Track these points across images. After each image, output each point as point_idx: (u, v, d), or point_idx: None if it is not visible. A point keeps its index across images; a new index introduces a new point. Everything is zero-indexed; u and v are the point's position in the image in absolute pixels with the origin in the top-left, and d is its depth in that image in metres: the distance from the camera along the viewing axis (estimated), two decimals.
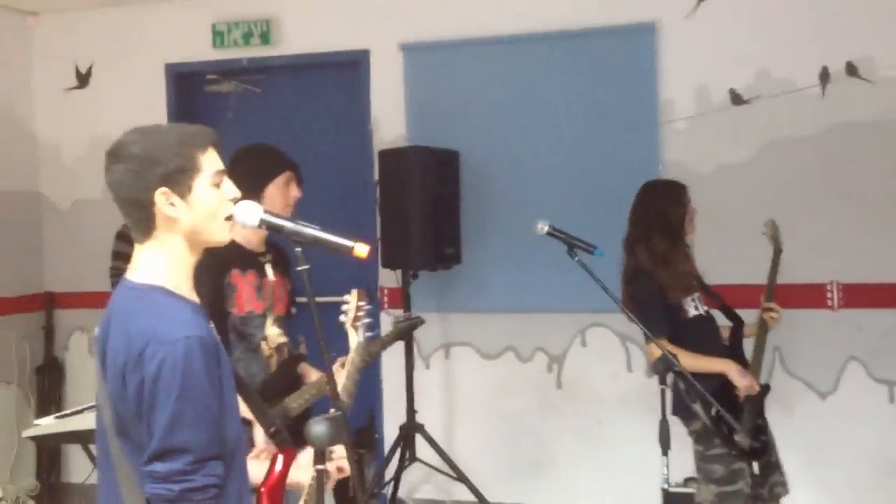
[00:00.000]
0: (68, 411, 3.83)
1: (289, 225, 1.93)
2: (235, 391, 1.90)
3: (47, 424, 3.77)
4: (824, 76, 4.27)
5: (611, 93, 4.52)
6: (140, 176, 1.79)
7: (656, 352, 3.15)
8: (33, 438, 4.71)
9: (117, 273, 4.58)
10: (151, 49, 5.13)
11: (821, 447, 4.28)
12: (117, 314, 1.79)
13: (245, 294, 2.88)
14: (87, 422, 3.64)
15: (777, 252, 3.64)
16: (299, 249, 1.94)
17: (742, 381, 3.36)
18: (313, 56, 4.93)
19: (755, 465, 3.33)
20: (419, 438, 4.61)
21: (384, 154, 4.51)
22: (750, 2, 4.39)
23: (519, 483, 4.72)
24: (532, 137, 4.64)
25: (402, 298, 4.59)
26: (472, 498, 4.45)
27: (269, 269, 2.99)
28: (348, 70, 4.94)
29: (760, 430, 3.41)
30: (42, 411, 5.03)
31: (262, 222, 1.92)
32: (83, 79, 5.26)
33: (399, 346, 4.68)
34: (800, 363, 4.33)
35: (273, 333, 2.96)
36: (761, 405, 3.45)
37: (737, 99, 4.39)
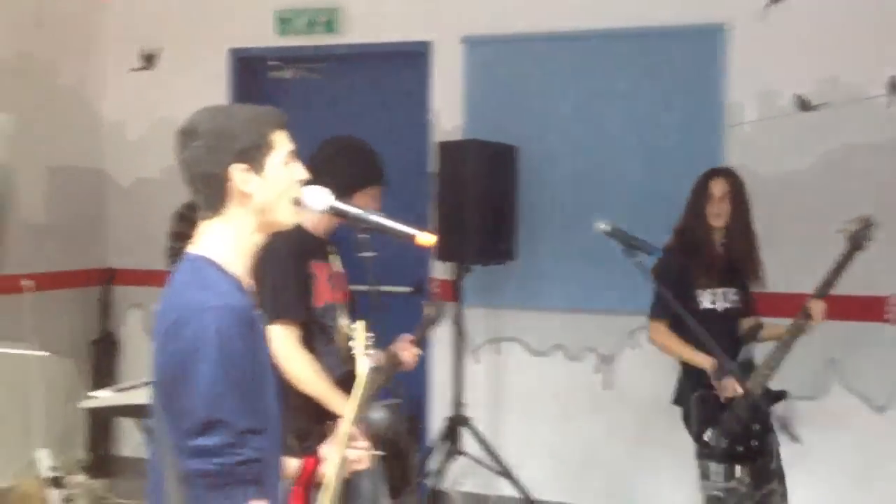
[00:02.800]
0: (125, 385, 3.92)
1: (355, 211, 1.95)
2: (270, 371, 1.88)
3: (104, 397, 3.86)
4: (892, 85, 4.18)
5: (675, 93, 4.48)
6: (215, 151, 1.78)
7: (652, 333, 3.39)
8: (89, 410, 4.87)
9: (175, 253, 4.65)
10: (216, 34, 5.20)
11: (876, 462, 4.20)
12: (170, 287, 1.80)
13: (322, 285, 2.83)
14: (142, 396, 3.73)
15: (852, 250, 3.44)
16: (364, 236, 1.96)
17: (722, 388, 3.32)
18: (375, 46, 4.96)
19: (736, 469, 3.31)
20: (465, 431, 4.63)
21: (442, 146, 4.52)
22: (820, 7, 4.30)
23: (564, 482, 4.71)
24: (592, 135, 4.61)
25: (454, 291, 4.60)
26: (515, 494, 4.46)
27: (335, 260, 2.98)
28: (409, 61, 4.95)
29: (749, 435, 3.35)
30: (96, 385, 5.12)
31: (330, 208, 1.93)
32: (149, 61, 5.35)
33: (447, 340, 4.71)
34: (856, 377, 4.25)
35: (344, 324, 2.92)
36: (756, 410, 3.35)
37: (803, 105, 4.32)
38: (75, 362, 5.30)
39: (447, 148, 4.49)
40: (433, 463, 4.61)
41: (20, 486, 4.81)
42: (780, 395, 3.46)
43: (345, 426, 2.00)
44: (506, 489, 4.60)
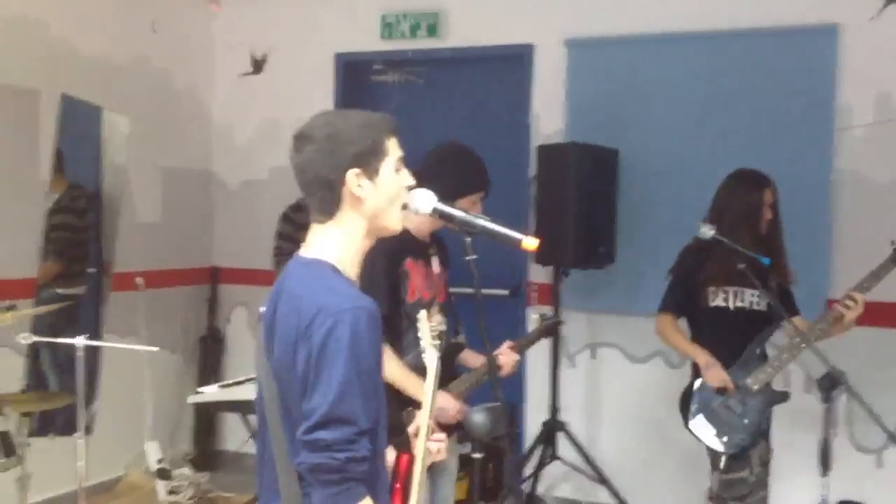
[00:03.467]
0: (230, 381, 4.03)
1: (460, 215, 1.97)
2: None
3: (210, 392, 3.98)
4: None
5: (785, 95, 4.35)
6: (332, 155, 1.82)
7: (657, 324, 3.51)
8: (196, 405, 5.03)
9: (280, 253, 4.77)
10: (323, 39, 5.30)
11: None
12: (288, 289, 1.83)
13: (417, 282, 2.92)
14: (247, 392, 3.82)
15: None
16: (468, 239, 1.97)
17: (705, 373, 3.33)
18: (477, 49, 4.98)
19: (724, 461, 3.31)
20: (561, 437, 4.60)
21: (543, 149, 4.51)
22: None
23: (660, 490, 4.62)
24: (695, 138, 4.52)
25: (552, 295, 4.58)
26: (612, 501, 4.40)
27: (434, 261, 3.04)
28: (511, 64, 4.95)
29: (739, 428, 3.32)
30: (203, 380, 5.29)
31: (436, 211, 1.95)
32: (258, 65, 5.50)
33: (544, 344, 4.68)
34: None
35: (436, 321, 2.99)
36: (754, 406, 3.33)
37: None
38: (183, 358, 5.48)
39: (547, 151, 4.48)
40: (529, 467, 4.60)
41: (129, 476, 5.01)
42: (782, 397, 3.45)
43: (423, 418, 2.00)
44: (601, 496, 4.55)
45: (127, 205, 5.11)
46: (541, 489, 4.70)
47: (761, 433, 3.39)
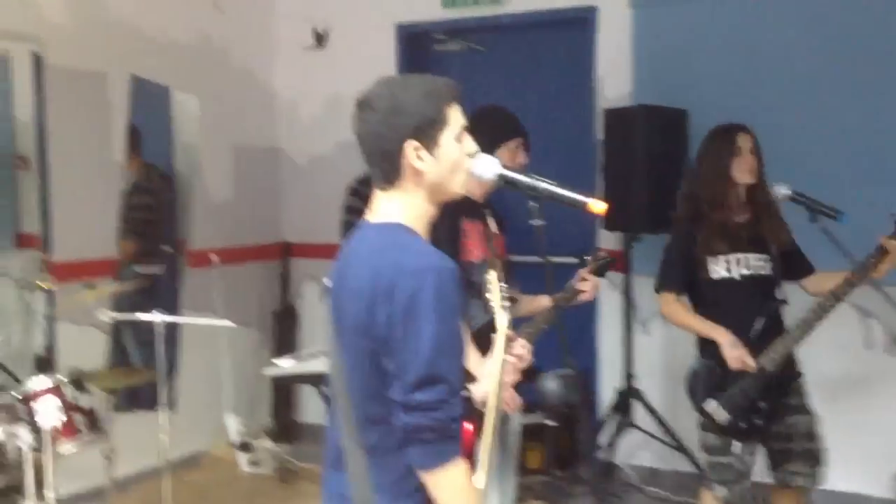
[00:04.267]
0: (305, 353, 4.09)
1: (525, 179, 1.94)
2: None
3: (285, 365, 4.06)
4: None
5: (865, 52, 4.17)
6: (391, 127, 1.81)
7: (662, 305, 3.26)
8: (272, 378, 5.12)
9: (348, 226, 4.79)
10: (384, 9, 5.29)
11: None
12: (358, 253, 1.83)
13: (472, 242, 2.93)
14: (321, 365, 3.88)
15: None
16: (534, 204, 1.95)
17: (729, 353, 3.08)
18: (540, 14, 4.90)
19: (736, 444, 3.12)
20: (636, 404, 4.56)
21: (609, 113, 4.43)
22: None
23: None
24: (769, 97, 4.38)
25: (623, 261, 4.52)
26: (692, 469, 4.35)
27: (490, 221, 3.04)
28: (574, 28, 4.87)
29: (754, 412, 3.11)
30: (278, 354, 5.37)
31: (500, 177, 1.93)
32: (320, 39, 5.51)
33: (616, 311, 4.64)
34: None
35: (492, 279, 2.98)
36: (769, 386, 3.11)
37: None
38: (259, 332, 5.58)
39: (614, 115, 4.40)
40: (604, 436, 4.57)
41: (212, 449, 5.14)
42: (791, 375, 3.21)
43: (492, 379, 1.97)
44: (680, 464, 4.49)
45: (199, 183, 5.21)
46: (617, 458, 4.66)
47: (792, 415, 3.20)
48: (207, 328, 4.67)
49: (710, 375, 3.16)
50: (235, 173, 5.43)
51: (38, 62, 4.39)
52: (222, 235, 5.30)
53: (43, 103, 4.40)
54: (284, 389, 5.54)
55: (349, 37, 5.43)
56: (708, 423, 3.18)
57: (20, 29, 4.24)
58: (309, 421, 5.56)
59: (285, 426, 5.54)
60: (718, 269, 3.19)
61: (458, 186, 1.88)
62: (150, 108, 4.95)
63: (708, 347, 3.18)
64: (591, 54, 4.78)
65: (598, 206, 1.89)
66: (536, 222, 1.93)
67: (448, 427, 1.69)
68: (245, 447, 5.03)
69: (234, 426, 5.13)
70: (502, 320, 1.98)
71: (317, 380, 4.13)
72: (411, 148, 1.80)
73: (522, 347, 2.03)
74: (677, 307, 3.25)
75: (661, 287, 3.30)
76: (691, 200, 3.26)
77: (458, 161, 1.85)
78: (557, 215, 2.11)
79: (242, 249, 5.45)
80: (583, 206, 1.90)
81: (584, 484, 4.47)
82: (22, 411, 3.06)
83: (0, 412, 2.97)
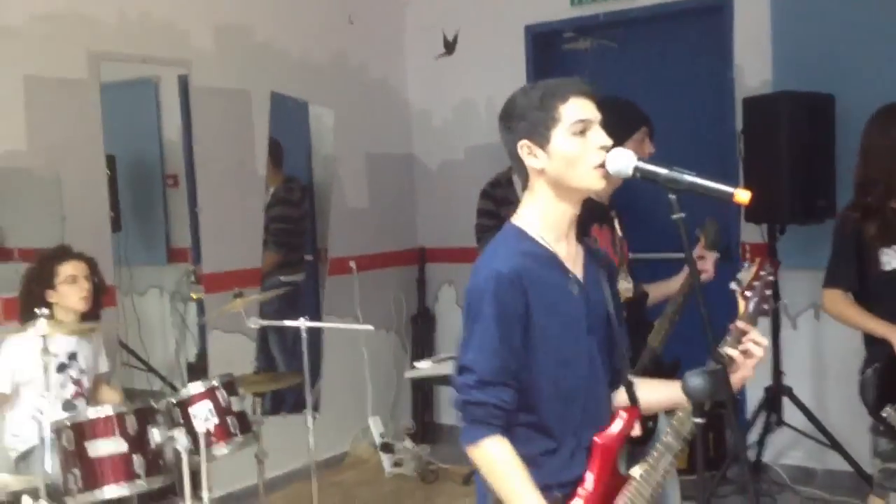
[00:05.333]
0: (443, 356, 4.14)
1: (664, 172, 1.88)
2: (586, 336, 1.96)
3: (425, 367, 4.11)
4: None
5: None
6: (511, 132, 1.96)
7: (827, 302, 3.05)
8: (412, 380, 5.20)
9: (482, 229, 4.82)
10: (512, 12, 5.28)
11: None
12: None
13: (604, 248, 2.84)
14: None
15: None
16: (674, 197, 1.89)
17: None
18: (672, 5, 4.79)
19: None
20: (786, 402, 4.39)
21: (749, 102, 4.29)
22: None
23: None
24: None
25: (767, 254, 4.36)
26: (846, 467, 4.15)
27: (616, 224, 2.97)
28: (709, 17, 4.74)
29: None
30: (416, 357, 5.46)
31: (637, 170, 1.89)
32: (450, 46, 5.57)
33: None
34: None
35: (624, 287, 2.91)
36: None
37: None
38: (397, 336, 5.68)
39: (755, 103, 4.26)
40: (752, 434, 4.42)
41: (356, 450, 5.26)
42: None
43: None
44: (833, 461, 4.29)
45: (336, 193, 5.35)
46: (767, 457, 4.50)
47: None
48: (348, 333, 4.79)
49: (883, 378, 2.98)
50: (371, 182, 5.54)
51: (184, 85, 4.62)
52: (360, 243, 5.42)
53: (189, 123, 4.62)
54: (424, 391, 5.62)
55: (479, 42, 5.45)
56: (884, 428, 2.99)
57: (169, 55, 4.47)
58: (449, 422, 5.61)
59: (426, 427, 5.61)
60: (890, 260, 3.00)
61: (585, 181, 1.91)
62: (289, 122, 5.12)
63: (877, 346, 3.00)
64: (728, 43, 4.64)
65: (742, 196, 1.82)
66: (677, 216, 1.87)
67: (469, 410, 1.87)
68: (387, 448, 5.13)
69: (376, 428, 5.24)
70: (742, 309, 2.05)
71: None
72: (522, 148, 1.93)
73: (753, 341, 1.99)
74: (845, 304, 3.06)
75: (828, 283, 3.10)
76: (865, 188, 3.07)
77: (574, 155, 1.89)
78: (696, 209, 2.04)
79: (380, 256, 5.55)
80: (728, 196, 1.82)
81: (732, 484, 4.34)
82: (179, 415, 3.20)
83: (158, 416, 3.10)
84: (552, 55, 5.28)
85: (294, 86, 5.01)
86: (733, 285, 2.10)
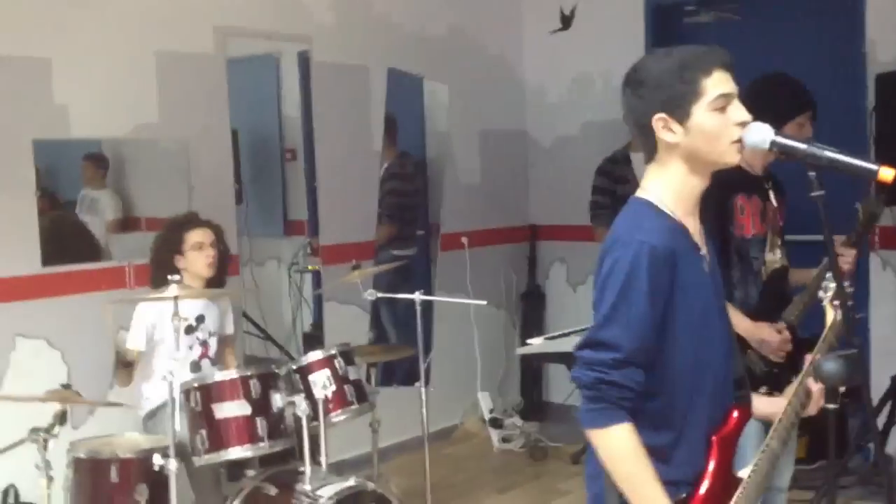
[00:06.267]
0: (555, 334, 4.12)
1: (803, 147, 1.82)
2: (719, 320, 1.88)
3: (537, 344, 4.10)
4: None
5: None
6: (643, 101, 1.83)
7: None
8: (522, 357, 5.21)
9: (597, 206, 4.77)
10: None
11: None
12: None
13: (750, 218, 2.86)
14: (571, 344, 3.88)
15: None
16: (813, 174, 1.83)
17: None
18: None
19: None
20: None
21: (882, 78, 4.13)
22: None
23: None
24: None
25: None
26: None
27: (771, 195, 2.94)
28: None
29: None
30: (525, 335, 5.45)
31: (774, 144, 1.83)
32: (567, 21, 5.49)
33: (891, 290, 4.30)
34: None
35: (771, 258, 2.91)
36: None
37: None
38: (507, 313, 5.68)
39: (888, 80, 4.07)
40: (877, 425, 4.25)
41: (465, 424, 5.31)
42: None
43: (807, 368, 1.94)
44: None
45: (449, 169, 5.37)
46: (891, 447, 4.32)
47: None
48: (459, 308, 4.82)
49: None
50: (483, 158, 5.54)
51: (304, 60, 4.71)
52: (472, 219, 5.44)
53: (309, 98, 4.72)
54: (533, 369, 5.61)
55: (596, 16, 5.37)
56: None
57: (290, 31, 4.56)
58: (557, 401, 5.59)
59: (534, 405, 5.61)
60: None
61: (725, 157, 1.82)
62: (404, 98, 5.17)
63: None
64: (861, 16, 4.43)
65: (887, 174, 1.74)
66: (817, 193, 1.80)
67: (603, 389, 1.74)
68: (496, 423, 5.16)
69: (485, 403, 5.27)
70: (830, 318, 1.99)
71: (567, 359, 4.14)
72: (660, 121, 1.80)
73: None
74: None
75: None
76: None
77: (714, 131, 1.79)
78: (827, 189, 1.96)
79: (491, 232, 5.56)
80: (872, 174, 1.74)
81: (853, 474, 4.19)
82: (298, 382, 3.29)
83: (280, 382, 3.19)
84: (672, 29, 5.15)
85: (410, 60, 5.05)
86: (821, 294, 2.07)
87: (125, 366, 3.51)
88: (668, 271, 1.77)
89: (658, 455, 1.79)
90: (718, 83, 1.81)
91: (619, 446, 1.76)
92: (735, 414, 1.91)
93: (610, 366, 1.74)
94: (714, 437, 1.87)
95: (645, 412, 1.79)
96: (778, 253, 2.95)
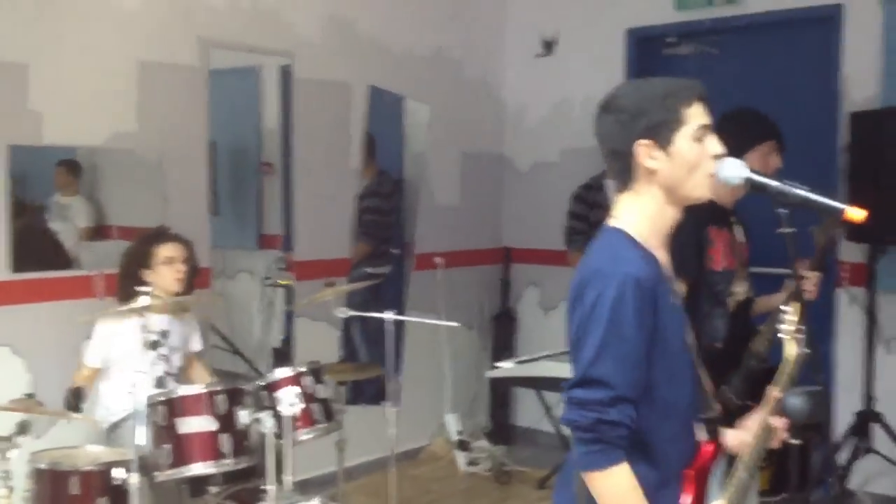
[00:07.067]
0: (526, 357, 4.12)
1: (775, 184, 1.85)
2: (686, 353, 1.87)
3: (507, 368, 4.09)
4: None
5: None
6: (624, 127, 1.82)
7: None
8: (491, 380, 5.19)
9: (572, 232, 4.80)
10: (615, 14, 5.23)
11: None
12: (584, 257, 1.86)
13: (721, 251, 2.87)
14: (541, 369, 3.89)
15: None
16: (784, 211, 1.85)
17: None
18: (780, 13, 4.68)
19: None
20: (876, 428, 4.25)
21: (856, 116, 4.18)
22: None
23: None
24: None
25: (867, 275, 4.23)
26: None
27: (737, 229, 2.96)
28: (817, 27, 4.61)
29: None
30: (496, 357, 5.44)
31: (747, 181, 1.85)
32: (549, 46, 5.54)
33: (857, 326, 4.35)
34: None
35: (738, 290, 2.93)
36: None
37: None
38: (479, 335, 5.68)
39: (862, 118, 4.14)
40: (840, 460, 4.29)
41: (432, 445, 5.29)
42: None
43: (769, 403, 1.94)
44: None
45: (426, 189, 5.38)
46: (853, 483, 4.36)
47: None
48: (430, 328, 4.81)
49: None
50: (462, 179, 5.56)
51: (286, 75, 4.70)
52: (447, 239, 5.44)
53: (289, 113, 4.71)
54: (502, 392, 5.61)
55: (578, 44, 5.42)
56: None
57: (274, 45, 4.56)
58: (524, 424, 5.59)
59: (502, 428, 5.61)
60: None
61: (698, 189, 1.83)
62: (385, 116, 5.17)
63: None
64: (836, 55, 4.50)
65: (856, 214, 1.77)
66: (785, 230, 1.83)
67: (601, 430, 1.70)
68: (463, 446, 5.14)
69: (453, 425, 5.25)
70: (791, 350, 1.97)
71: (537, 383, 4.15)
72: (641, 147, 1.80)
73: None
74: None
75: None
76: None
77: (694, 161, 1.81)
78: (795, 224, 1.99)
79: (465, 253, 5.57)
80: (839, 213, 1.78)
81: None
82: (266, 398, 3.27)
83: (246, 398, 3.17)
84: (652, 59, 5.21)
85: (392, 79, 5.06)
86: (781, 327, 2.05)
87: (77, 397, 3.43)
88: (650, 303, 1.75)
89: (652, 499, 1.77)
90: (698, 114, 1.83)
91: (621, 485, 1.73)
92: (707, 447, 1.91)
93: (606, 404, 1.71)
94: (688, 471, 1.87)
95: (633, 452, 1.76)
96: (745, 285, 2.97)
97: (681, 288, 2.51)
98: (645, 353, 1.74)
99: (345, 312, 3.79)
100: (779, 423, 1.97)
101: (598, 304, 1.73)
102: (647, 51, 5.20)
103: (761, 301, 3.04)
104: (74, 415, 3.25)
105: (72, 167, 4.17)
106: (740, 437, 1.99)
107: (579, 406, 1.72)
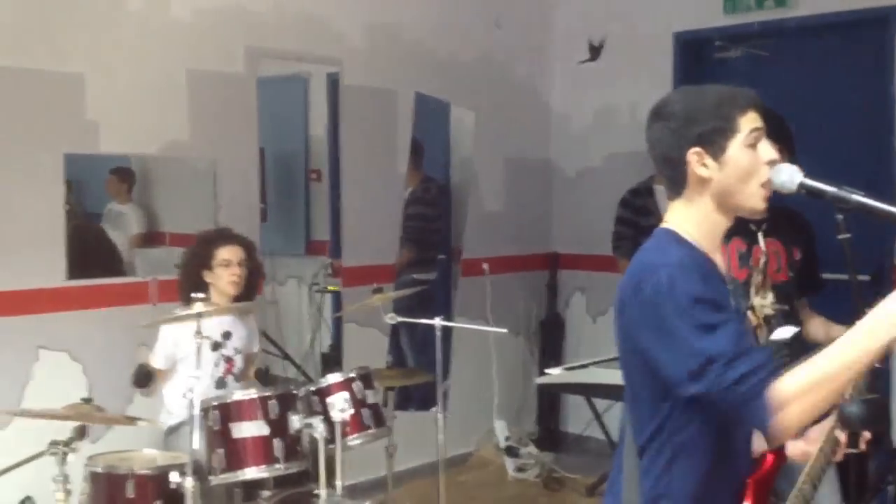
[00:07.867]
0: (575, 364, 4.10)
1: (832, 190, 1.82)
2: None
3: (555, 374, 4.08)
4: None
5: None
6: (677, 134, 1.80)
7: None
8: (539, 386, 5.18)
9: (619, 237, 4.77)
10: (662, 18, 5.19)
11: None
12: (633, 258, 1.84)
13: (727, 261, 2.76)
14: (590, 375, 3.88)
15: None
16: (841, 217, 1.82)
17: None
18: (832, 16, 4.60)
19: None
20: None
21: None
22: None
23: None
24: None
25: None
26: None
27: (760, 236, 2.84)
28: (871, 29, 4.53)
29: None
30: (543, 363, 5.43)
31: (802, 186, 1.82)
32: (595, 51, 5.51)
33: None
34: None
35: (759, 303, 2.81)
36: None
37: None
38: (526, 341, 5.67)
39: None
40: None
41: (480, 452, 5.29)
42: None
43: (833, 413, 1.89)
44: None
45: (473, 194, 5.39)
46: None
47: None
48: (477, 334, 4.82)
49: None
50: (507, 185, 5.56)
51: (333, 83, 4.75)
52: (494, 245, 5.44)
53: (336, 120, 4.76)
54: (550, 398, 5.59)
55: (624, 48, 5.39)
56: None
57: (321, 53, 4.61)
58: (573, 431, 5.56)
59: (550, 434, 5.58)
60: None
61: (752, 200, 1.81)
62: (430, 123, 5.20)
63: None
64: (890, 57, 4.42)
65: None
66: (843, 236, 1.80)
67: (738, 391, 1.61)
68: (511, 452, 5.13)
69: (501, 431, 5.25)
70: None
71: (586, 390, 4.13)
72: (693, 155, 1.79)
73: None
74: None
75: None
76: None
77: (748, 169, 1.79)
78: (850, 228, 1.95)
79: (513, 259, 5.56)
80: None
81: None
82: (317, 404, 3.29)
83: (298, 404, 3.20)
84: (701, 63, 5.16)
85: (438, 86, 5.08)
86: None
87: (147, 377, 3.51)
88: (702, 280, 1.72)
89: (692, 496, 1.75)
90: (753, 121, 1.81)
91: (801, 383, 1.61)
92: (769, 456, 1.88)
93: (721, 374, 1.62)
94: (749, 480, 1.84)
95: (681, 443, 1.74)
96: (769, 297, 2.82)
97: None
98: (725, 307, 1.71)
99: (394, 318, 3.80)
100: (843, 436, 1.94)
101: (655, 300, 1.68)
102: (696, 55, 5.16)
103: (815, 326, 2.90)
104: (132, 418, 3.29)
105: (124, 175, 4.25)
106: (802, 447, 1.96)
107: (708, 389, 1.63)
